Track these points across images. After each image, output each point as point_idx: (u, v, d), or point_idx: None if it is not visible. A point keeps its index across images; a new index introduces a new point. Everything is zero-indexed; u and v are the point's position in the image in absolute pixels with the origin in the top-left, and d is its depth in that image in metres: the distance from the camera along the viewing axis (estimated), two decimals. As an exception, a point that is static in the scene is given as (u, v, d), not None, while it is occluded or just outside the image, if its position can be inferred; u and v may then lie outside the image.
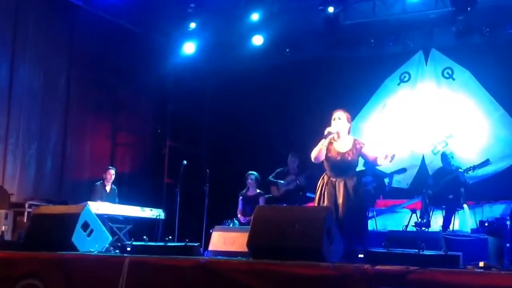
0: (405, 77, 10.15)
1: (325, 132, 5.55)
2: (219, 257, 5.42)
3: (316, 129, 5.88)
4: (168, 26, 10.14)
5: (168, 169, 10.47)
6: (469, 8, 8.34)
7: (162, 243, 5.21)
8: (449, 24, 9.17)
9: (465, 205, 8.15)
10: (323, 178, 5.73)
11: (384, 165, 6.03)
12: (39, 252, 4.88)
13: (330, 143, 5.63)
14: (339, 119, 5.64)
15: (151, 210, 9.01)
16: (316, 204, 5.72)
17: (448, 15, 8.86)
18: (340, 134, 5.65)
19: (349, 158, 5.61)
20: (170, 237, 6.49)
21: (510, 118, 9.14)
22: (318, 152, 5.58)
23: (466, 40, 9.41)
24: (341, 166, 5.61)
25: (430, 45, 9.91)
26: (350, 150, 5.62)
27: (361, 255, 5.07)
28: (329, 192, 5.60)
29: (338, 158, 5.61)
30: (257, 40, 9.85)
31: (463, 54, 9.63)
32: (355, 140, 5.69)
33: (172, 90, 10.84)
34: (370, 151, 5.75)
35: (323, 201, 5.64)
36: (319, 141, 5.57)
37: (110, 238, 5.96)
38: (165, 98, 10.87)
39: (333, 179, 5.63)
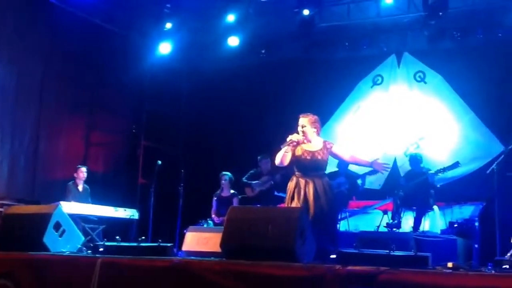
0: (378, 79, 10.28)
1: (287, 139, 5.72)
2: (192, 257, 5.44)
3: (291, 130, 5.95)
4: (145, 26, 10.10)
5: (142, 169, 10.42)
6: (441, 13, 8.48)
7: (135, 244, 5.20)
8: (422, 28, 9.30)
9: (435, 207, 8.29)
10: (292, 180, 5.84)
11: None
12: (11, 252, 4.84)
13: (300, 146, 5.76)
14: (303, 127, 5.80)
15: (124, 210, 8.96)
16: (287, 205, 5.80)
17: (420, 20, 9.00)
18: (309, 138, 5.80)
19: (319, 157, 5.77)
20: (143, 238, 6.47)
21: (479, 121, 9.32)
22: (281, 156, 5.74)
23: (438, 45, 9.56)
24: (312, 165, 5.75)
25: (403, 48, 10.06)
26: (320, 150, 5.80)
27: (333, 256, 5.15)
28: (299, 193, 5.69)
29: (309, 157, 5.76)
30: (233, 41, 9.87)
31: (435, 58, 9.79)
32: (324, 141, 5.90)
33: (148, 90, 10.79)
34: (340, 150, 5.97)
35: (294, 203, 5.71)
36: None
37: (83, 238, 5.93)
38: (141, 98, 10.81)
39: (303, 179, 5.73)
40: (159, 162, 8.40)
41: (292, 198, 5.74)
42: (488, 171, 7.19)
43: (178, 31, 9.86)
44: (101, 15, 9.63)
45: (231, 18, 9.55)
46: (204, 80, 10.48)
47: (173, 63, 10.50)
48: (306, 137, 5.79)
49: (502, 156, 7.19)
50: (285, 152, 5.71)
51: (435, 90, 9.78)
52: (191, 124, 10.73)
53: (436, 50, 9.69)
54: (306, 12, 9.11)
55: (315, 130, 5.87)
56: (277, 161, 5.79)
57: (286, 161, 5.77)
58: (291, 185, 5.81)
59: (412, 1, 9.10)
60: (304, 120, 5.84)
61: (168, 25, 9.75)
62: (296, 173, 5.84)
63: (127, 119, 10.90)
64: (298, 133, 5.82)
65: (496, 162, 7.10)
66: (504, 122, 8.49)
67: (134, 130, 10.73)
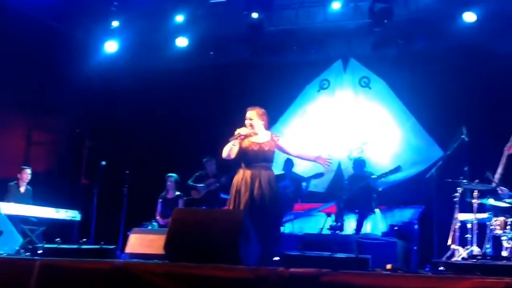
0: (324, 84, 10.44)
1: (236, 133, 5.82)
2: (135, 260, 5.38)
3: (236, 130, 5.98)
4: (91, 24, 9.91)
5: (86, 170, 10.22)
6: (385, 21, 8.69)
7: (76, 246, 5.10)
8: (367, 35, 9.52)
9: (377, 210, 8.47)
10: (238, 173, 5.90)
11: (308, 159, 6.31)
12: None
13: (247, 138, 5.84)
14: (251, 120, 5.90)
15: (66, 211, 8.77)
16: (231, 200, 5.84)
17: (366, 27, 9.19)
18: (256, 131, 5.90)
19: (266, 149, 5.87)
20: (85, 240, 6.35)
21: (420, 127, 9.59)
22: (229, 149, 5.82)
23: (383, 51, 9.79)
24: (259, 156, 5.84)
25: (349, 54, 10.25)
26: (268, 142, 5.91)
27: (276, 258, 5.20)
28: (245, 187, 5.74)
29: (256, 148, 5.85)
30: (181, 41, 9.82)
31: (379, 64, 10.01)
32: (272, 134, 6.03)
33: (94, 89, 10.58)
34: (286, 143, 6.09)
35: (239, 198, 5.75)
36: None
37: (21, 240, 5.78)
38: (86, 97, 10.59)
39: (249, 171, 5.80)
40: (103, 162, 8.26)
41: (239, 191, 5.78)
42: (427, 176, 7.43)
43: (125, 30, 9.73)
44: (46, 12, 9.38)
45: (179, 18, 9.49)
46: (152, 81, 10.36)
47: (120, 62, 10.33)
48: (254, 129, 5.86)
49: (441, 161, 7.43)
50: (233, 145, 5.78)
51: (379, 96, 10.02)
52: (137, 124, 10.59)
53: (381, 56, 9.91)
54: (255, 15, 9.16)
55: (263, 122, 5.97)
56: (224, 154, 5.84)
57: (233, 154, 5.83)
58: (237, 177, 5.87)
59: (359, 8, 9.29)
60: (251, 113, 5.94)
61: (115, 24, 9.61)
62: (242, 165, 5.89)
63: (71, 118, 10.65)
64: (245, 125, 5.89)
65: (435, 167, 7.34)
66: (444, 128, 8.76)
67: (78, 130, 10.50)
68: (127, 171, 8.38)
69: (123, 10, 9.47)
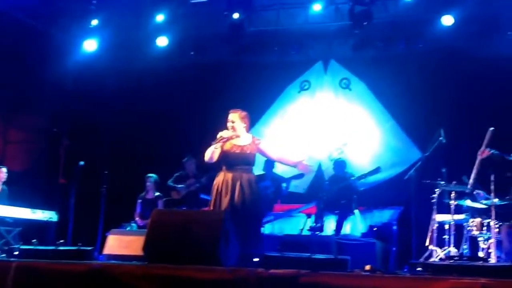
0: (305, 85, 10.47)
1: (218, 136, 5.82)
2: (113, 261, 5.33)
3: (217, 131, 5.98)
4: (69, 22, 9.80)
5: (64, 170, 10.08)
6: (365, 23, 8.75)
7: (53, 247, 5.04)
8: (347, 37, 9.58)
9: (356, 211, 8.51)
10: (219, 175, 5.92)
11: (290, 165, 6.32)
12: None
13: (229, 141, 5.84)
14: (233, 123, 5.91)
15: (43, 212, 8.66)
16: (212, 203, 5.84)
17: (346, 29, 9.23)
18: (238, 134, 5.91)
19: (248, 152, 5.89)
20: (62, 241, 6.28)
21: (399, 128, 9.67)
22: (211, 153, 5.81)
23: (362, 53, 9.86)
24: (240, 160, 5.86)
25: (330, 55, 10.29)
26: (249, 145, 5.93)
27: (256, 259, 5.20)
28: (226, 190, 5.75)
29: (237, 151, 5.87)
30: (162, 41, 9.77)
31: (359, 66, 10.07)
32: (253, 137, 6.04)
33: (72, 88, 10.47)
34: (267, 147, 6.10)
35: (219, 200, 5.75)
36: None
37: (-3, 241, 5.69)
38: (64, 96, 10.46)
39: (230, 174, 5.81)
40: (82, 162, 8.17)
41: (219, 193, 5.78)
42: (406, 177, 7.49)
43: (104, 28, 9.64)
44: (23, 10, 9.25)
45: (160, 18, 9.44)
46: (131, 80, 10.29)
47: (99, 61, 10.23)
48: (236, 132, 5.88)
49: (420, 162, 7.50)
50: (215, 148, 5.79)
51: (359, 97, 10.08)
52: (117, 124, 10.50)
53: (361, 58, 9.98)
54: (236, 15, 9.16)
55: (245, 125, 6.00)
56: (207, 157, 5.84)
57: (215, 158, 5.84)
58: (218, 180, 5.88)
59: (339, 10, 9.33)
60: (234, 116, 5.95)
61: (94, 22, 9.51)
62: (223, 168, 5.91)
63: (49, 117, 10.52)
64: (227, 128, 5.91)
65: (413, 169, 7.41)
66: (422, 130, 8.84)
67: (55, 129, 10.37)
68: (106, 171, 8.30)
69: (103, 9, 9.39)
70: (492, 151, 6.72)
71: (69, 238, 8.01)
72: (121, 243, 6.77)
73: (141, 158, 9.96)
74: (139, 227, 8.50)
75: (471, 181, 6.89)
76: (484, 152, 6.73)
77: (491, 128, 6.82)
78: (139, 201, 8.91)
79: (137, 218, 8.76)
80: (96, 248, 7.25)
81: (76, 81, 10.39)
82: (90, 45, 9.82)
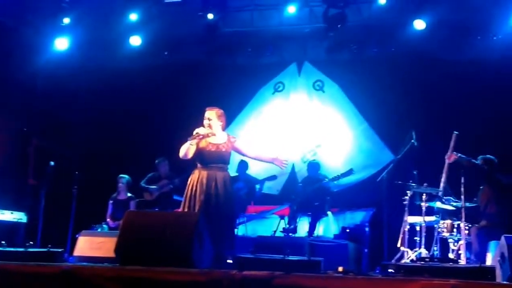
0: (279, 87, 10.49)
1: (194, 132, 5.84)
2: (84, 263, 5.26)
3: (190, 132, 5.96)
4: (39, 19, 9.62)
5: (33, 170, 9.92)
6: (339, 26, 8.82)
7: (22, 249, 4.95)
8: (321, 39, 9.62)
9: (329, 212, 8.58)
10: (194, 173, 5.91)
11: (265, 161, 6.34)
12: None
13: (205, 139, 5.85)
14: (210, 120, 5.93)
15: (11, 213, 8.50)
16: (186, 201, 5.81)
17: (320, 31, 9.29)
18: (214, 132, 5.93)
19: (223, 150, 5.93)
20: (31, 243, 6.17)
21: (372, 131, 9.76)
22: (186, 149, 5.82)
23: (336, 55, 9.91)
24: (215, 158, 5.88)
25: (304, 57, 10.34)
26: (225, 143, 5.96)
27: (230, 261, 5.19)
28: (201, 188, 5.76)
29: (213, 149, 5.89)
30: (135, 40, 9.68)
31: (333, 68, 10.13)
32: (229, 135, 6.09)
33: (42, 87, 10.29)
34: (243, 145, 6.16)
35: (194, 199, 5.74)
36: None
37: (-36, 243, 5.55)
38: (33, 95, 10.28)
39: (205, 171, 5.82)
40: (52, 163, 8.05)
41: (195, 191, 5.77)
42: (378, 179, 7.57)
43: (76, 27, 9.50)
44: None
45: (133, 17, 9.36)
46: (104, 79, 10.16)
47: (71, 60, 10.07)
48: (212, 130, 5.90)
49: (392, 165, 7.59)
50: (190, 144, 5.79)
51: (332, 99, 10.14)
52: (88, 124, 10.36)
53: (334, 60, 10.04)
54: (210, 16, 9.14)
55: (221, 123, 6.03)
56: (181, 153, 5.84)
57: (190, 154, 5.84)
58: (193, 178, 5.89)
59: (313, 13, 9.39)
60: (211, 113, 5.98)
61: (66, 20, 9.38)
62: (199, 165, 5.92)
63: (18, 117, 10.31)
64: (204, 125, 5.92)
65: (386, 171, 7.49)
66: (395, 133, 8.92)
67: (25, 129, 10.19)
68: (77, 172, 8.20)
69: (75, 7, 9.26)
70: (459, 155, 6.83)
71: (39, 239, 7.88)
72: (92, 245, 6.69)
73: (113, 158, 9.84)
74: (110, 228, 8.41)
75: (442, 184, 6.99)
76: (451, 157, 6.84)
77: (456, 132, 6.93)
78: (111, 202, 8.82)
79: (108, 220, 8.66)
80: (66, 250, 7.16)
81: (46, 80, 10.20)
82: (61, 44, 9.67)
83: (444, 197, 7.15)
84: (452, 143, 6.89)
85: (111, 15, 9.42)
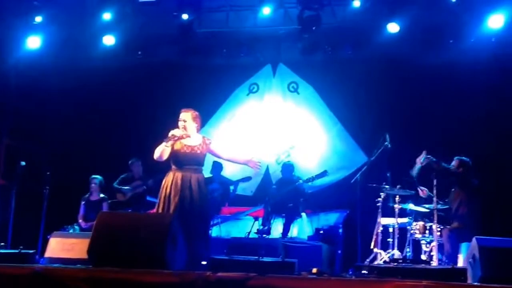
0: (254, 88, 10.50)
1: (169, 134, 5.81)
2: (56, 265, 5.19)
3: (164, 133, 5.94)
4: (11, 17, 9.46)
5: (3, 170, 9.75)
6: (314, 28, 8.87)
7: (-8, 250, 4.86)
8: (296, 41, 9.66)
9: (303, 214, 8.61)
10: (168, 175, 5.89)
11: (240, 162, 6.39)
12: None
13: (179, 141, 5.84)
14: (185, 122, 5.93)
15: (-19, 214, 8.33)
16: (160, 203, 5.80)
17: (295, 33, 9.33)
18: (189, 134, 5.92)
19: (198, 152, 5.92)
20: (2, 244, 6.06)
21: (346, 132, 9.83)
22: (161, 151, 5.80)
23: (311, 57, 9.94)
24: (190, 159, 5.87)
25: (278, 59, 10.37)
26: (199, 145, 5.95)
27: (204, 262, 5.17)
28: (175, 190, 5.74)
29: (188, 151, 5.87)
30: (108, 40, 9.58)
31: (307, 70, 10.18)
32: (203, 137, 6.07)
33: (14, 86, 10.11)
34: (217, 147, 6.16)
35: (168, 200, 5.73)
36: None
37: None
38: (3, 94, 10.09)
39: (179, 173, 5.81)
40: (23, 162, 7.92)
41: (169, 193, 5.75)
42: (352, 181, 7.62)
43: (49, 25, 9.37)
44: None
45: (107, 16, 9.26)
46: (77, 79, 10.01)
47: (43, 59, 9.92)
48: (187, 131, 5.89)
49: (365, 166, 7.65)
50: (165, 146, 5.78)
51: (307, 101, 10.18)
52: (60, 124, 10.22)
53: (309, 62, 10.07)
54: (185, 16, 9.11)
55: (196, 125, 6.02)
56: (156, 155, 5.82)
57: (165, 156, 5.82)
58: (167, 179, 5.86)
59: (288, 14, 9.42)
60: (186, 115, 5.97)
61: (38, 19, 9.24)
62: (173, 167, 5.90)
63: (-12, 115, 10.13)
64: (178, 127, 5.91)
65: (359, 172, 7.54)
66: (368, 135, 9.01)
67: (-6, 128, 10.01)
68: (48, 172, 8.07)
69: (47, 5, 9.14)
70: (429, 157, 6.91)
71: (9, 241, 7.74)
72: (64, 246, 6.60)
73: (86, 159, 9.72)
74: (82, 229, 8.31)
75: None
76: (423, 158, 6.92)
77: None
78: (83, 203, 8.71)
79: (80, 221, 8.56)
80: (37, 251, 7.04)
81: (18, 79, 10.02)
82: (33, 42, 9.52)
83: (420, 187, 7.26)
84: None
85: (85, 14, 9.32)
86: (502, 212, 7.98)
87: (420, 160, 6.93)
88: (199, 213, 5.75)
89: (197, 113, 6.05)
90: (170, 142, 5.79)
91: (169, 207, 5.69)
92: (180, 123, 5.92)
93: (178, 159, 5.85)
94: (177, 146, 5.85)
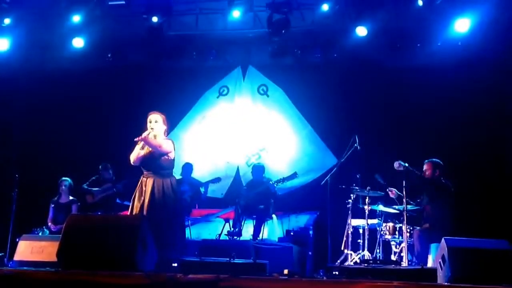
0: (224, 90, 10.51)
1: (142, 135, 5.85)
2: (25, 267, 5.13)
3: (134, 136, 5.93)
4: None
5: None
6: (283, 31, 8.93)
7: (-41, 255, 4.78)
8: (265, 44, 9.71)
9: (274, 215, 8.65)
10: (140, 178, 5.96)
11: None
12: None
13: (146, 146, 5.88)
14: (156, 122, 5.97)
15: None
16: (133, 206, 5.85)
17: (264, 36, 9.37)
18: (157, 136, 5.95)
19: (165, 154, 5.91)
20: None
21: (316, 135, 9.90)
22: (136, 155, 5.88)
23: (280, 60, 10.01)
24: (157, 162, 5.89)
25: (248, 62, 10.41)
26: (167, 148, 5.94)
27: (174, 264, 5.17)
28: (141, 190, 5.82)
29: (155, 155, 5.89)
30: (78, 42, 9.50)
31: (277, 72, 10.24)
32: (171, 140, 6.07)
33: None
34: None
35: (139, 202, 5.79)
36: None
37: None
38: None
39: (145, 178, 5.87)
40: (-10, 166, 7.79)
41: (139, 195, 5.82)
42: (322, 183, 7.70)
43: (17, 27, 9.23)
44: None
45: (76, 18, 9.17)
46: (46, 81, 9.90)
47: (11, 61, 9.77)
48: (156, 131, 5.93)
49: (335, 168, 7.73)
50: (140, 149, 5.86)
51: (277, 103, 10.24)
52: (29, 126, 10.08)
53: (279, 65, 10.14)
54: (155, 19, 9.06)
55: (165, 128, 6.06)
56: (132, 159, 5.91)
57: (139, 160, 5.89)
58: (139, 182, 5.92)
59: (257, 18, 9.46)
60: (156, 116, 5.99)
61: (7, 21, 9.11)
62: (143, 170, 5.97)
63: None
64: (147, 129, 5.94)
65: (329, 174, 7.63)
66: (338, 137, 9.11)
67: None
68: (17, 175, 7.96)
69: (16, 7, 9.01)
70: (406, 164, 6.99)
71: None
72: (33, 249, 6.51)
73: (54, 161, 9.60)
74: (51, 232, 8.22)
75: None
76: (398, 166, 7.00)
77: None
78: (52, 205, 8.61)
79: (49, 223, 8.46)
80: (6, 254, 6.95)
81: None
82: (1, 44, 9.38)
83: (389, 188, 7.36)
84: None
85: (54, 17, 9.20)
86: (472, 213, 8.08)
87: (399, 168, 6.99)
88: (169, 215, 5.79)
89: (164, 115, 6.09)
90: (140, 145, 5.86)
91: (140, 209, 5.71)
92: (149, 125, 5.94)
93: (145, 163, 5.91)
94: (145, 150, 5.89)
